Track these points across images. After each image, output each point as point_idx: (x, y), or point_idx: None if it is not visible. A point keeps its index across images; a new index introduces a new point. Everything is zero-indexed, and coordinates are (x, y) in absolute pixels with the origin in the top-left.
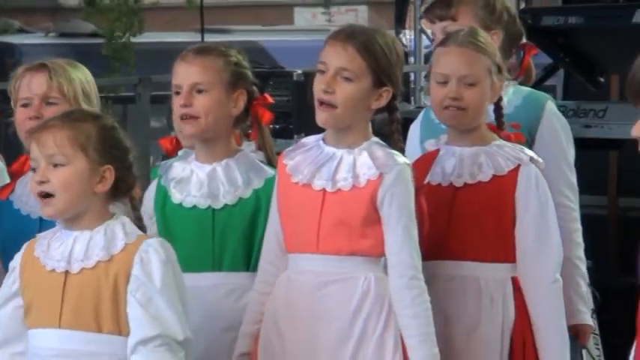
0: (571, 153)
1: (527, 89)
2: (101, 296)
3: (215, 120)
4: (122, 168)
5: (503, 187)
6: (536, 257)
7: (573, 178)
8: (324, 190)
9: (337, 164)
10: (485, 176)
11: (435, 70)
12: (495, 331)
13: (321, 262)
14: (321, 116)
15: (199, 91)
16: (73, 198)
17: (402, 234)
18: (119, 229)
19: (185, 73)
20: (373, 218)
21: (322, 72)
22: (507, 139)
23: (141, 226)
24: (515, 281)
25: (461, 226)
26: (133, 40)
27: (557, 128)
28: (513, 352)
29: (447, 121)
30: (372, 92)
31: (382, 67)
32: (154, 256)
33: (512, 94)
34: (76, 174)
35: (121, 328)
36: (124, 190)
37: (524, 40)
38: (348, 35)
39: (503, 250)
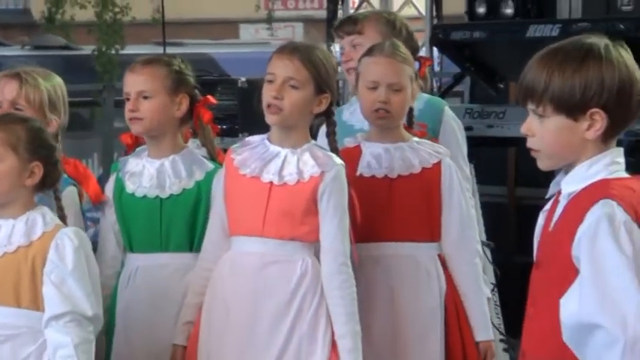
0: (465, 149)
1: (426, 95)
2: (21, 276)
3: (159, 121)
4: (49, 164)
5: (430, 177)
6: (461, 238)
7: (468, 171)
8: (271, 183)
9: (283, 161)
10: (415, 169)
11: (366, 77)
12: (434, 300)
13: (265, 245)
14: (271, 118)
15: (145, 97)
16: (5, 190)
17: (336, 225)
18: (39, 218)
19: (132, 83)
20: (312, 209)
21: (271, 81)
22: (417, 136)
23: (62, 216)
24: (440, 257)
25: (398, 212)
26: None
27: (454, 129)
28: (448, 315)
29: (376, 122)
30: (314, 98)
31: (322, 76)
32: (67, 242)
33: (416, 101)
34: (9, 170)
35: (38, 304)
36: (49, 183)
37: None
38: (293, 49)
39: (432, 231)
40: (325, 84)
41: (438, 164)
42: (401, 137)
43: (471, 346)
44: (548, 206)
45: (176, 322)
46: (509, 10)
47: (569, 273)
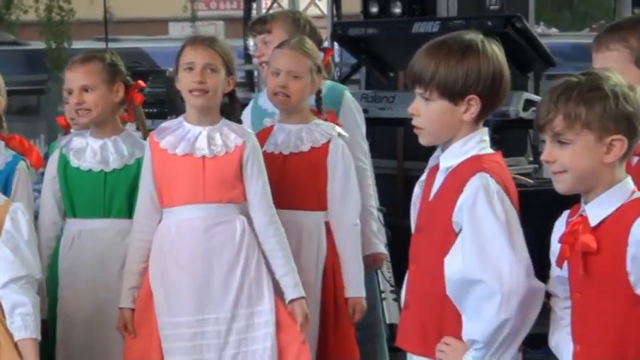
0: (363, 129)
1: (329, 82)
2: None
3: (103, 109)
4: None
5: (319, 154)
6: (342, 207)
7: (366, 147)
8: (204, 157)
9: (207, 137)
10: (305, 147)
11: (272, 65)
12: (313, 260)
13: (207, 210)
14: (197, 101)
15: (86, 91)
16: None
17: (262, 185)
18: None
19: (74, 79)
20: (240, 174)
21: (191, 69)
22: (325, 120)
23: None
24: (327, 224)
25: (290, 184)
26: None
27: (353, 110)
28: (325, 274)
29: (277, 104)
30: (225, 80)
31: (230, 61)
32: (21, 215)
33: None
34: None
35: None
36: None
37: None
38: (205, 40)
39: (320, 201)
40: (231, 68)
41: (327, 143)
42: (305, 120)
43: (342, 301)
44: (423, 177)
45: (118, 278)
46: (397, 10)
47: (449, 236)
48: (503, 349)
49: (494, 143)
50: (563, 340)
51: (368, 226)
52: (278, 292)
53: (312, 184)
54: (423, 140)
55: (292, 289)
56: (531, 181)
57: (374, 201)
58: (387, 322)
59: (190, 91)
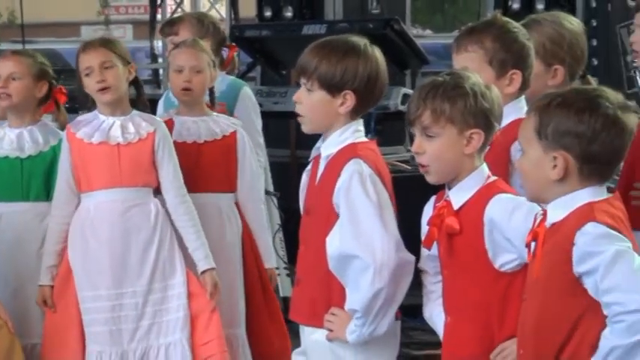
0: (259, 122)
1: (231, 78)
2: None
3: (23, 99)
4: None
5: (229, 142)
6: (252, 188)
7: (261, 140)
8: (118, 144)
9: (121, 127)
10: (218, 136)
11: (175, 63)
12: (234, 237)
13: (124, 193)
14: (106, 98)
15: (14, 79)
16: None
17: (172, 167)
18: None
19: (4, 66)
20: (153, 159)
21: (88, 74)
22: (217, 112)
23: None
24: (237, 204)
25: (204, 170)
26: None
27: (249, 106)
28: (245, 248)
29: (183, 98)
30: (124, 71)
31: (123, 53)
32: None
33: (220, 82)
34: None
35: None
36: None
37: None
38: (94, 42)
39: (230, 184)
40: (127, 60)
41: (234, 133)
42: (204, 112)
43: (264, 270)
44: (310, 166)
45: (37, 257)
46: (289, 14)
47: (330, 217)
48: (380, 316)
49: (377, 133)
50: (436, 312)
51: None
52: (190, 265)
53: (224, 168)
54: (305, 128)
55: (203, 261)
56: (409, 167)
57: (262, 187)
58: (281, 295)
59: (98, 90)
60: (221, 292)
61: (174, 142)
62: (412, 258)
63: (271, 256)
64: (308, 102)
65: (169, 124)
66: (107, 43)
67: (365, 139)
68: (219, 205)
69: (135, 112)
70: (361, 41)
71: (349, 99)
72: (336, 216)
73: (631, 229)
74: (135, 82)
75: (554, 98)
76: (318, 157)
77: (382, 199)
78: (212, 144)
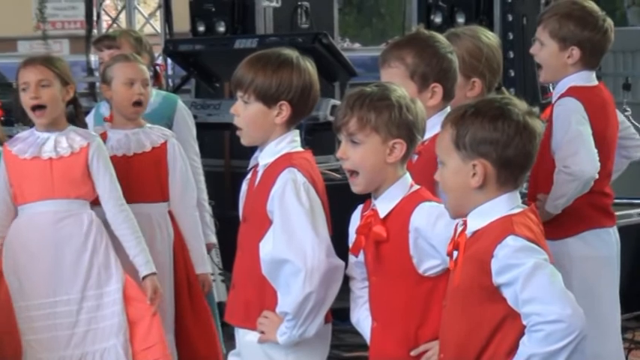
0: (194, 132)
1: (163, 92)
2: None
3: None
4: None
5: (159, 153)
6: (183, 196)
7: (197, 148)
8: (50, 159)
9: (54, 142)
10: (147, 148)
11: (125, 76)
12: (164, 245)
13: (57, 205)
14: (39, 120)
15: None
16: None
17: (109, 179)
18: None
19: None
20: (87, 171)
21: (24, 89)
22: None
23: None
24: (170, 213)
25: (135, 181)
26: None
27: (185, 117)
28: (176, 256)
29: (133, 113)
30: (62, 90)
31: (64, 75)
32: None
33: (155, 97)
34: None
35: None
36: None
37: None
38: (34, 59)
39: (163, 193)
40: (67, 79)
41: (165, 143)
42: (139, 124)
43: (194, 277)
44: (249, 175)
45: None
46: (221, 29)
47: (265, 223)
48: (310, 319)
49: (307, 143)
50: (362, 316)
51: (201, 218)
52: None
53: (155, 179)
54: (244, 141)
55: (144, 267)
56: (339, 175)
57: (206, 195)
58: (216, 300)
59: (32, 111)
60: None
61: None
62: (342, 263)
63: (204, 262)
64: (245, 114)
65: (103, 137)
66: (48, 62)
67: (300, 149)
68: (150, 215)
69: (71, 127)
70: (293, 54)
71: (285, 109)
72: (270, 222)
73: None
74: (73, 102)
75: (468, 109)
76: (257, 166)
77: (315, 206)
78: (141, 156)
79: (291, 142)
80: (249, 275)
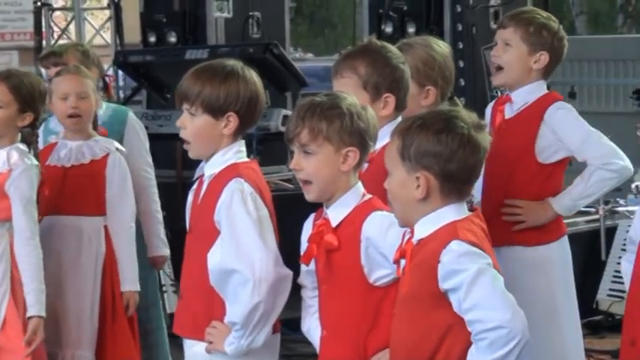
0: (147, 144)
1: (113, 105)
2: None
3: None
4: None
5: (98, 166)
6: (118, 212)
7: (150, 160)
8: None
9: None
10: (85, 160)
11: (59, 90)
12: (92, 259)
13: None
14: None
15: None
16: None
17: (21, 210)
18: None
19: None
20: (5, 195)
21: None
22: (101, 135)
23: None
24: (105, 228)
25: (72, 193)
26: None
27: (137, 129)
28: (105, 271)
29: (71, 125)
30: (18, 116)
31: (25, 98)
32: None
33: (105, 109)
34: None
35: None
36: None
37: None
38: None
39: (98, 207)
40: (28, 104)
41: (106, 156)
42: (87, 136)
43: (119, 295)
44: (195, 186)
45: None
46: (172, 39)
47: (212, 234)
48: (258, 329)
49: (259, 154)
50: (313, 326)
51: (154, 231)
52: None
53: (92, 192)
54: (191, 154)
55: (31, 308)
56: (291, 185)
57: (159, 207)
58: (168, 311)
59: None
60: (68, 315)
61: (47, 166)
62: (290, 273)
63: (131, 280)
64: (192, 126)
65: (50, 147)
66: (14, 84)
67: (247, 159)
68: (81, 228)
69: (14, 146)
70: (238, 64)
71: (232, 121)
72: (218, 233)
73: (492, 246)
74: (32, 126)
75: (415, 121)
76: (203, 176)
77: (262, 216)
78: (79, 168)
79: (237, 152)
80: (197, 286)
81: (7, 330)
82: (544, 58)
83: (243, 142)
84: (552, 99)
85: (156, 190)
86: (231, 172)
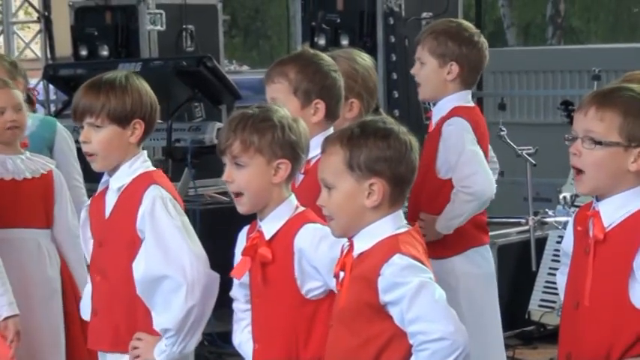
0: (75, 153)
1: (40, 116)
2: None
3: None
4: None
5: (46, 181)
6: (67, 224)
7: (79, 169)
8: None
9: None
10: (37, 174)
11: None
12: (54, 272)
13: None
14: None
15: None
16: None
17: None
18: None
19: None
20: None
21: None
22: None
23: None
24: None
25: (24, 206)
26: None
27: (66, 138)
28: (64, 283)
29: (10, 138)
30: None
31: None
32: None
33: (33, 120)
34: None
35: None
36: None
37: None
38: None
39: (48, 220)
40: None
41: (51, 172)
42: (18, 151)
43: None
44: (88, 202)
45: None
46: (105, 52)
47: (134, 244)
48: (191, 333)
49: (194, 167)
50: (245, 339)
51: None
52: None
53: (43, 205)
54: (97, 166)
55: (7, 308)
56: (227, 198)
57: None
58: None
59: None
60: (41, 329)
61: None
62: (217, 275)
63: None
64: (98, 139)
65: None
66: None
67: (153, 168)
68: (39, 241)
69: None
70: (128, 73)
71: (139, 127)
72: (140, 242)
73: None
74: None
75: (353, 130)
76: (103, 191)
77: (184, 220)
78: (32, 182)
79: (144, 161)
80: (115, 299)
81: None
82: (454, 68)
83: (145, 152)
84: (453, 114)
85: (86, 199)
86: (145, 180)
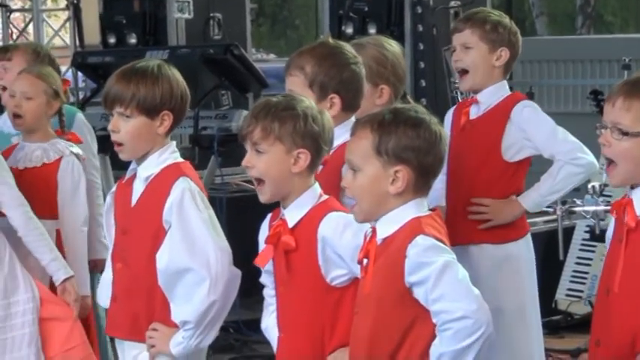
0: (95, 147)
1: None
2: None
3: None
4: None
5: (50, 170)
6: (70, 215)
7: (97, 163)
8: None
9: None
10: (37, 163)
11: (9, 88)
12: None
13: None
14: None
15: None
16: None
17: (8, 186)
18: None
19: None
20: None
21: None
22: (69, 139)
23: None
24: (57, 231)
25: (26, 196)
26: None
27: (84, 131)
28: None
29: (14, 125)
30: None
31: None
32: None
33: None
34: None
35: None
36: None
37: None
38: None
39: (51, 210)
40: None
41: (59, 160)
42: (44, 138)
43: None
44: (114, 189)
45: None
46: (133, 40)
47: (159, 234)
48: (209, 328)
49: (220, 155)
50: (271, 324)
51: (95, 234)
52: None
53: (44, 195)
54: (125, 156)
55: (62, 271)
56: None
57: (102, 210)
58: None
59: None
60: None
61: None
62: (239, 272)
63: (83, 284)
64: (128, 129)
65: (11, 149)
66: None
67: (181, 160)
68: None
69: None
70: (160, 62)
71: (167, 119)
72: (165, 233)
73: (457, 244)
74: None
75: (385, 116)
76: (130, 179)
77: (211, 214)
78: (31, 171)
79: (173, 152)
80: (135, 287)
81: (46, 305)
82: (505, 53)
83: (174, 142)
84: (518, 98)
85: (101, 194)
86: (174, 171)
